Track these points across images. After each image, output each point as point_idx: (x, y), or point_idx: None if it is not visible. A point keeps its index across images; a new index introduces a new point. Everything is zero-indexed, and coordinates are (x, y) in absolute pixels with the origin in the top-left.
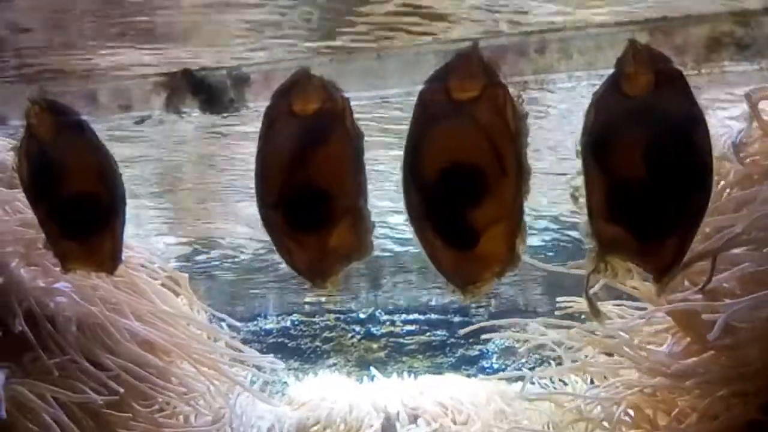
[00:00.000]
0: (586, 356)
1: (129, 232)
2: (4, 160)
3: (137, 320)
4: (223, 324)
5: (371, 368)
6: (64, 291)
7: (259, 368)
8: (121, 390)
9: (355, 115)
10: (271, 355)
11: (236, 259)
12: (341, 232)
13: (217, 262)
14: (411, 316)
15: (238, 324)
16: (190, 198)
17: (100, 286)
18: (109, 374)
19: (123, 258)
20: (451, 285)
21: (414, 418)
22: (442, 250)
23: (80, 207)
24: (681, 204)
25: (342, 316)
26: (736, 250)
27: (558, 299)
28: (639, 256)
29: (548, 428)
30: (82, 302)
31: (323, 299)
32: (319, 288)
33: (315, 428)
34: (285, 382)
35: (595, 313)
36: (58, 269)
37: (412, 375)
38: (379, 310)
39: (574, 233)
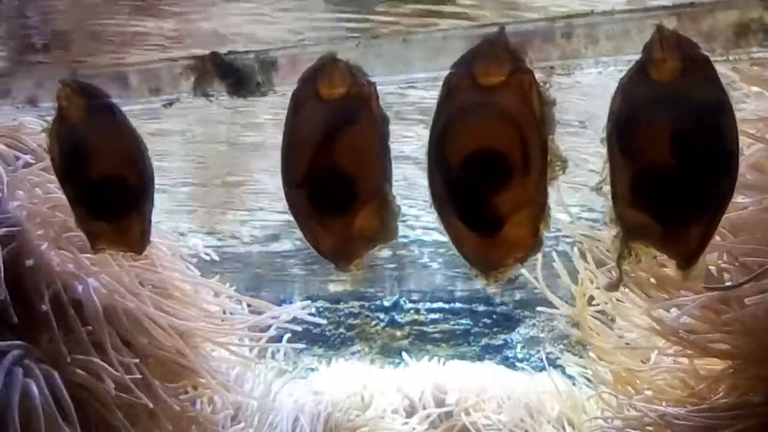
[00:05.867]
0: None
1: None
2: (35, 141)
3: (162, 307)
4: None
5: (401, 354)
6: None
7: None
8: (141, 376)
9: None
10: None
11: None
12: (366, 215)
13: (241, 249)
14: (435, 305)
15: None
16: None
17: (127, 271)
18: (132, 361)
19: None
20: (474, 270)
21: (441, 403)
22: (466, 235)
23: (110, 188)
24: (706, 191)
25: (366, 304)
26: None
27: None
28: (663, 242)
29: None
30: (109, 288)
31: (349, 287)
32: (343, 271)
33: (338, 414)
34: (311, 369)
35: (615, 287)
36: (86, 255)
37: (437, 363)
38: (404, 298)
39: None
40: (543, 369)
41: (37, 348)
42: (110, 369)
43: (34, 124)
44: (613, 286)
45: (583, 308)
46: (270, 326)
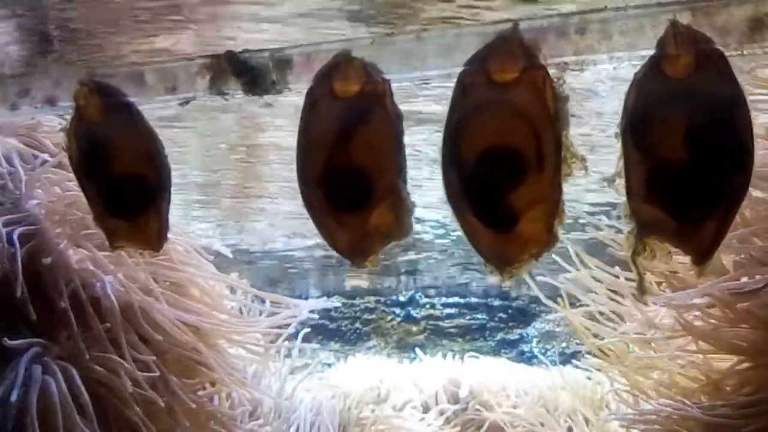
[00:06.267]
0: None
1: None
2: (54, 140)
3: (179, 304)
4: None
5: (415, 350)
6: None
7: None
8: (158, 373)
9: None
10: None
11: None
12: (381, 212)
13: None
14: (451, 300)
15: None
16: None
17: (144, 268)
18: (149, 358)
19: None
20: (489, 266)
21: (457, 398)
22: (481, 231)
23: (127, 186)
24: (721, 186)
25: (382, 299)
26: None
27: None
28: (678, 238)
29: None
30: (127, 286)
31: (364, 283)
32: (358, 267)
33: (356, 410)
34: (327, 364)
35: (642, 291)
36: (104, 253)
37: (453, 358)
38: (419, 293)
39: None
40: (559, 363)
41: (55, 345)
42: (127, 365)
43: (53, 123)
44: (640, 290)
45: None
46: (288, 324)
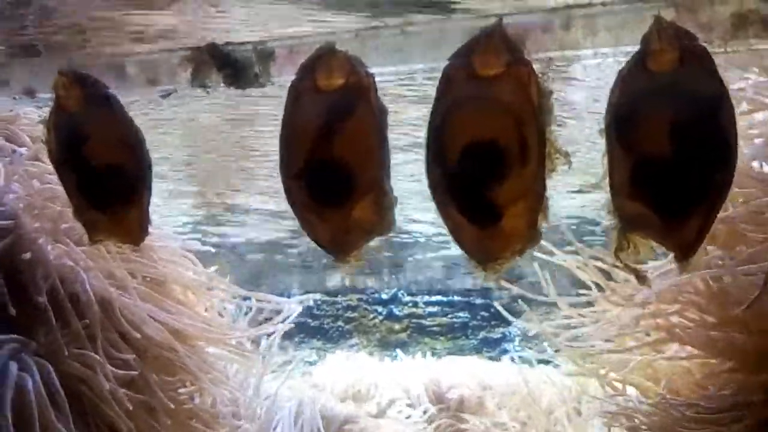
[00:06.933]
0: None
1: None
2: (33, 132)
3: (157, 302)
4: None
5: (396, 349)
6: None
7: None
8: (137, 372)
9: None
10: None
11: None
12: (363, 206)
13: (240, 240)
14: (433, 298)
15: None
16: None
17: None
18: (129, 356)
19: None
20: (472, 261)
21: (439, 397)
22: (464, 227)
23: (107, 178)
24: (704, 182)
25: (364, 297)
26: None
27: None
28: (662, 234)
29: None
30: (105, 283)
31: (346, 280)
32: (341, 262)
33: (339, 407)
34: (309, 362)
35: (642, 281)
36: (83, 248)
37: (435, 356)
38: (402, 291)
39: None
40: (542, 362)
41: (33, 341)
42: (105, 363)
43: (32, 115)
44: (641, 280)
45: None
46: (268, 320)
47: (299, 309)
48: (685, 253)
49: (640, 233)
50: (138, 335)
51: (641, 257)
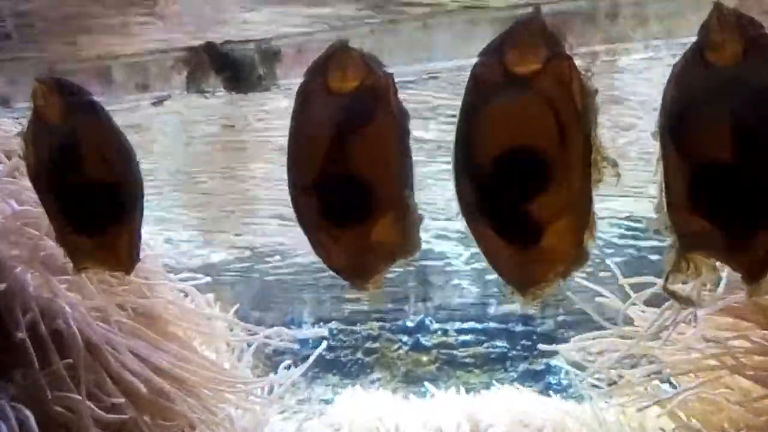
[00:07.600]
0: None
1: (145, 229)
2: (8, 146)
3: (150, 342)
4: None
5: (423, 384)
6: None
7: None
8: (128, 416)
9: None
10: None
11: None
12: (384, 225)
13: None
14: (466, 325)
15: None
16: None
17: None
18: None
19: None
20: (509, 286)
21: None
22: (500, 247)
23: (94, 198)
24: None
25: (387, 325)
26: None
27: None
28: (726, 252)
29: None
30: (91, 317)
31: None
32: (359, 289)
33: None
34: (325, 400)
35: (688, 303)
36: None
37: (469, 392)
38: (430, 318)
39: None
40: (590, 398)
41: (11, 384)
42: (92, 407)
43: (8, 127)
44: (687, 303)
45: None
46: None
47: (323, 346)
48: (754, 274)
49: (702, 252)
50: (130, 378)
51: (703, 279)
